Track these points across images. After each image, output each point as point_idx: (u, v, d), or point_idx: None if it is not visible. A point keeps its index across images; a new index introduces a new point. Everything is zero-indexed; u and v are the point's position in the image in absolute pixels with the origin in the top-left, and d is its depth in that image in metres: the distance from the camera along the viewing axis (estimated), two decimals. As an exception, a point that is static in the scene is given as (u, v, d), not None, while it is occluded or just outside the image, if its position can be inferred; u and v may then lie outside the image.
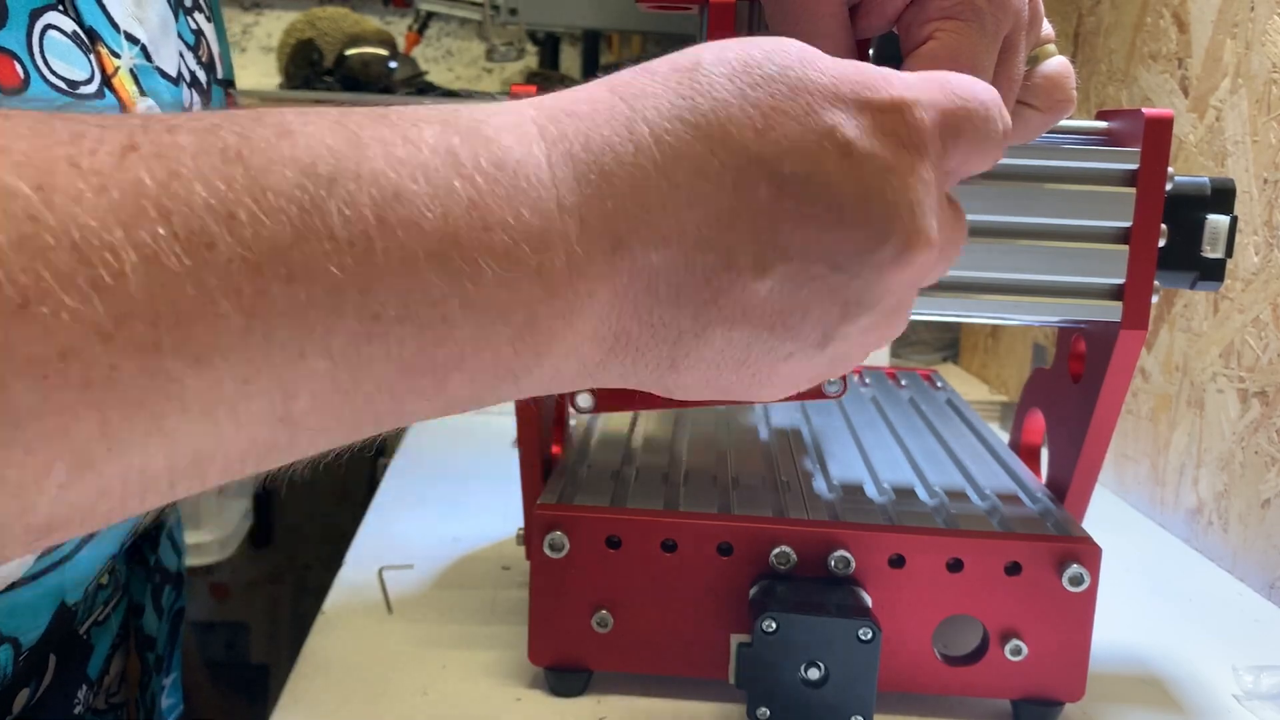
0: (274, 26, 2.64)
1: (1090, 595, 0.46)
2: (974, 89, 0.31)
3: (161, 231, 0.20)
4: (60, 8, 0.37)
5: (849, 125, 0.27)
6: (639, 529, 0.46)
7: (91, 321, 0.19)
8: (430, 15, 2.06)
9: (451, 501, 0.72)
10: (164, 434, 0.20)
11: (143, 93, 0.40)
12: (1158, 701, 0.51)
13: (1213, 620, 0.60)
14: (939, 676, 0.47)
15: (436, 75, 2.42)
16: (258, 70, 2.67)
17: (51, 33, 0.37)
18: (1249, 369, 0.65)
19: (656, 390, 0.30)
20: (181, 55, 0.44)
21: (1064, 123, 0.49)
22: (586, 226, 0.25)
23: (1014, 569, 0.46)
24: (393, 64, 1.94)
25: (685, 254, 0.27)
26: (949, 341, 1.21)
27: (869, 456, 0.57)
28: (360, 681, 0.49)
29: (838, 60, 0.29)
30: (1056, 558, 0.46)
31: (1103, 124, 0.48)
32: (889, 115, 0.28)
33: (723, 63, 0.27)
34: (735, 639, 0.44)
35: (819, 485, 0.52)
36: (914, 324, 1.24)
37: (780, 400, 0.33)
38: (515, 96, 0.44)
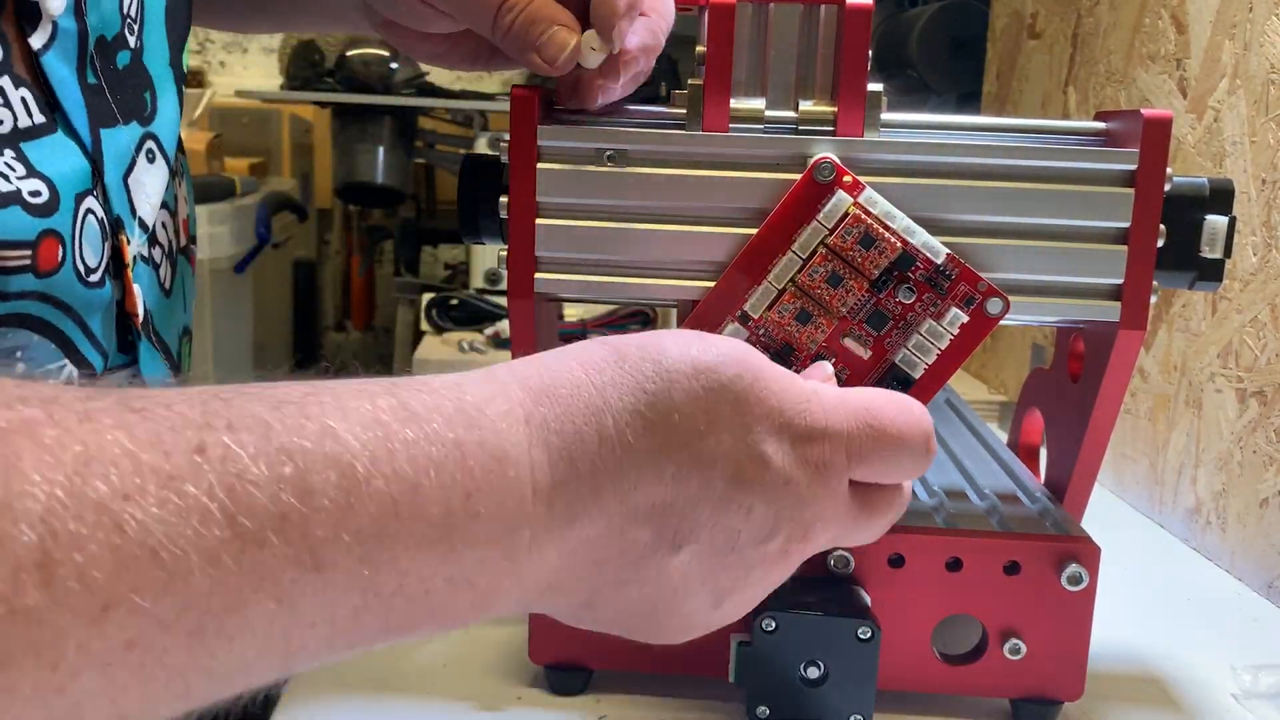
0: (275, 27, 2.64)
1: (1089, 594, 0.46)
2: (895, 424, 0.36)
3: (224, 535, 0.23)
4: (95, 193, 0.39)
5: (771, 447, 0.34)
6: (639, 528, 0.47)
7: (156, 616, 0.22)
8: (431, 16, 2.05)
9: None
10: (187, 694, 0.24)
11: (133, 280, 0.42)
12: (1156, 700, 0.51)
13: (1211, 619, 0.60)
14: (938, 675, 0.47)
15: (437, 76, 2.42)
16: (259, 71, 2.68)
17: (89, 218, 0.39)
18: (1247, 369, 0.66)
19: (565, 619, 0.35)
20: (164, 225, 0.46)
21: (1064, 123, 0.49)
22: (552, 509, 0.31)
23: (1013, 568, 0.46)
24: (394, 65, 1.94)
25: (622, 529, 0.32)
26: (949, 342, 1.21)
27: (868, 456, 0.57)
28: (360, 680, 0.49)
29: (778, 379, 0.34)
30: (1055, 557, 0.46)
31: (1101, 125, 0.48)
32: (805, 445, 0.35)
33: (685, 360, 0.33)
34: (735, 638, 0.44)
35: (818, 485, 0.53)
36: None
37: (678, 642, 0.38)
38: (516, 98, 0.45)
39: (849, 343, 0.44)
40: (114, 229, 0.40)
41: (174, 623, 0.23)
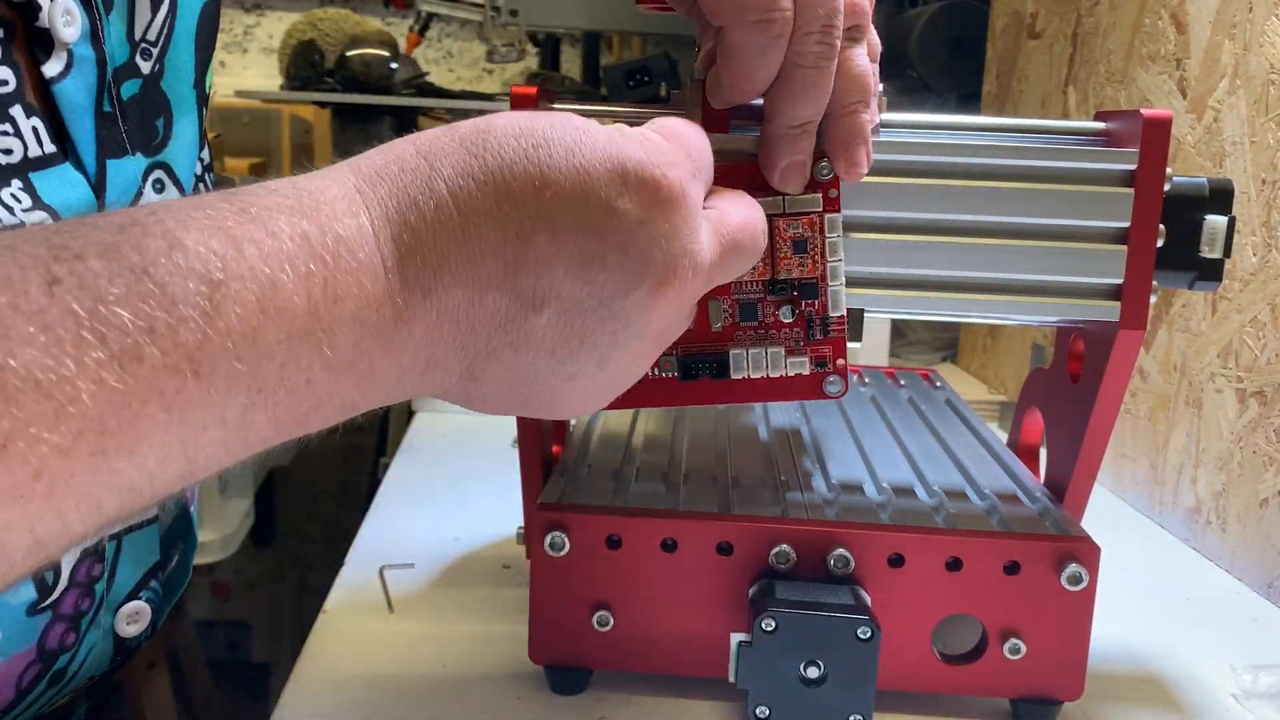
0: (275, 28, 2.65)
1: (1089, 594, 0.46)
2: (689, 149, 0.37)
3: (101, 356, 0.24)
4: None
5: (612, 190, 0.33)
6: (639, 528, 0.47)
7: (56, 444, 0.23)
8: (431, 16, 2.06)
9: (452, 501, 0.72)
10: (99, 511, 0.25)
11: None
12: (1156, 700, 0.51)
13: (1211, 619, 0.60)
14: (938, 675, 0.47)
15: (437, 76, 2.43)
16: (259, 71, 2.68)
17: None
18: (1247, 369, 0.66)
19: (460, 401, 0.36)
20: None
21: (1064, 123, 0.49)
22: (405, 282, 0.31)
23: (1013, 568, 0.46)
24: (394, 65, 1.94)
25: (478, 294, 0.32)
26: (948, 341, 1.21)
27: (868, 456, 0.57)
28: (361, 680, 0.49)
29: (605, 129, 0.34)
30: (1055, 557, 0.46)
31: (1101, 124, 0.48)
32: (646, 185, 0.34)
33: (512, 125, 0.33)
34: (735, 638, 0.44)
35: (818, 485, 0.53)
36: (913, 324, 1.24)
37: (580, 413, 0.38)
38: (516, 97, 0.45)
39: (712, 306, 0.44)
40: None
41: (73, 447, 0.23)
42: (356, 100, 1.89)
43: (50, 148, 0.37)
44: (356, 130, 1.92)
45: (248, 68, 2.71)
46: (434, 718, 0.47)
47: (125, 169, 0.41)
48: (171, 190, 0.44)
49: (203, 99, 0.46)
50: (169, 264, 0.26)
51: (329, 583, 0.60)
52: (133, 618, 0.44)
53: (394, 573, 0.60)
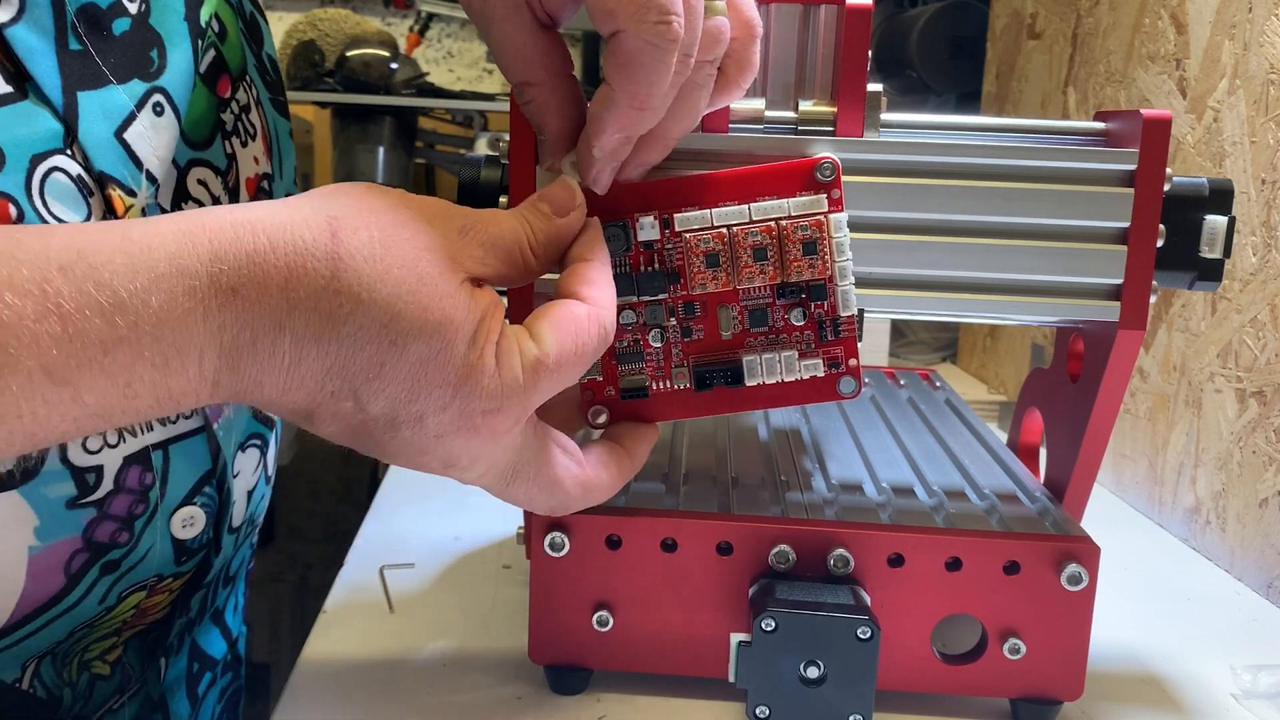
0: (275, 28, 2.64)
1: (1089, 594, 0.46)
2: (566, 360, 0.38)
3: None
4: (69, 153, 0.39)
5: (432, 411, 0.36)
6: (639, 528, 0.47)
7: None
8: (431, 16, 2.06)
9: (452, 500, 0.72)
10: None
11: None
12: (1156, 700, 0.51)
13: (1211, 619, 0.60)
14: (938, 675, 0.47)
15: (437, 76, 2.43)
16: (259, 71, 2.67)
17: (56, 175, 0.39)
18: (1247, 369, 0.66)
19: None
20: (202, 183, 0.46)
21: (1064, 124, 0.49)
22: (216, 391, 0.33)
23: (1013, 568, 0.46)
24: (394, 65, 1.94)
25: (276, 405, 0.35)
26: (948, 341, 1.21)
27: (868, 456, 0.57)
28: (361, 680, 0.49)
29: (477, 352, 0.36)
30: (1055, 557, 0.46)
31: (1101, 125, 0.48)
32: (475, 415, 0.36)
33: (383, 312, 0.34)
34: (735, 638, 0.44)
35: (818, 485, 0.53)
36: (913, 324, 1.24)
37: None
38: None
39: (721, 313, 0.44)
40: (100, 184, 0.40)
41: None
42: (356, 100, 1.89)
43: (4, 89, 0.37)
44: (356, 130, 1.92)
45: (248, 68, 2.71)
46: (434, 718, 0.47)
47: (108, 98, 0.41)
48: (169, 114, 0.44)
49: (198, 31, 0.46)
50: None
51: (329, 582, 0.60)
52: (187, 521, 0.45)
53: (394, 573, 0.60)
